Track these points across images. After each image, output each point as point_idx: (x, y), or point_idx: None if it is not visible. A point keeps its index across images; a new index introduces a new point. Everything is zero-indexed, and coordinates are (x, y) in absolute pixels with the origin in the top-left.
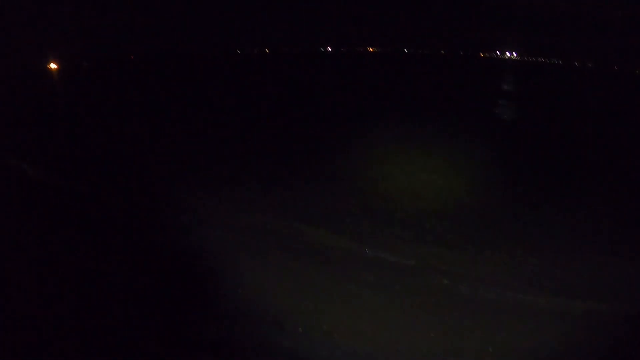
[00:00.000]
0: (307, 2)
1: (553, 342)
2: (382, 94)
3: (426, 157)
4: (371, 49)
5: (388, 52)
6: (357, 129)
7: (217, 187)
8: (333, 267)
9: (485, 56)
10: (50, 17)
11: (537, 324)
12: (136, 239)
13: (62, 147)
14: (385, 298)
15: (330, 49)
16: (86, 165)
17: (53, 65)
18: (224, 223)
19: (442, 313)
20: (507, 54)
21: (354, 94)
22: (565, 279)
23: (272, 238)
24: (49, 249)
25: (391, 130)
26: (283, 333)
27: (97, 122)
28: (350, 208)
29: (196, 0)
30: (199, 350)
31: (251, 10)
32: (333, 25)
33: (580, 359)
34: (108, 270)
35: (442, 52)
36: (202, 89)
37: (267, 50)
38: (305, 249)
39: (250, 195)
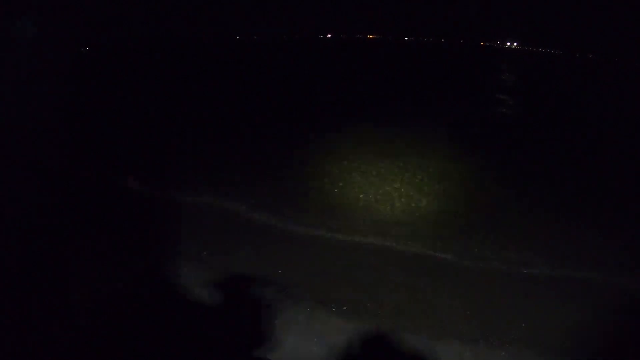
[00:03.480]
0: None
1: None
2: (381, 82)
3: (426, 147)
4: (371, 36)
5: (388, 39)
6: (356, 117)
7: (214, 180)
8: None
9: (486, 45)
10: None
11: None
12: (135, 232)
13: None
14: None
15: (330, 36)
16: (81, 155)
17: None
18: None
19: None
20: (508, 43)
21: (353, 81)
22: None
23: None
24: (56, 243)
25: (390, 119)
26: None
27: (93, 112)
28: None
29: None
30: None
31: None
32: (333, 13)
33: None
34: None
35: (443, 40)
36: (199, 76)
37: (266, 37)
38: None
39: (246, 188)
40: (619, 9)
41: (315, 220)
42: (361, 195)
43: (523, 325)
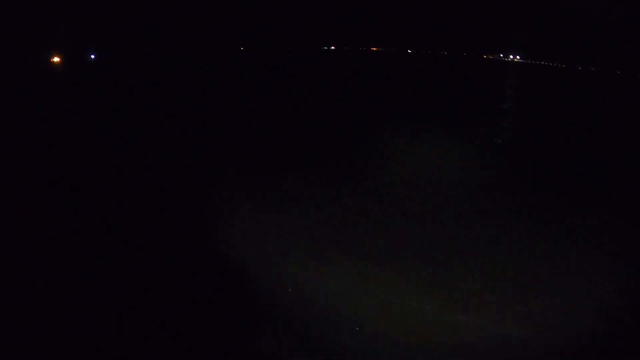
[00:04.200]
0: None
1: None
2: (384, 94)
3: (428, 160)
4: (374, 49)
5: (391, 52)
6: (358, 129)
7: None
8: None
9: (489, 58)
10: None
11: None
12: (136, 236)
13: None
14: None
15: (333, 48)
16: (85, 162)
17: (56, 59)
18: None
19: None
20: (511, 56)
21: (357, 93)
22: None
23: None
24: (51, 249)
25: (393, 131)
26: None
27: (94, 118)
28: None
29: None
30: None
31: (255, 6)
32: (336, 24)
33: None
34: (110, 269)
35: (445, 53)
36: (204, 86)
37: (271, 48)
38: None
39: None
40: (621, 23)
41: None
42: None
43: None
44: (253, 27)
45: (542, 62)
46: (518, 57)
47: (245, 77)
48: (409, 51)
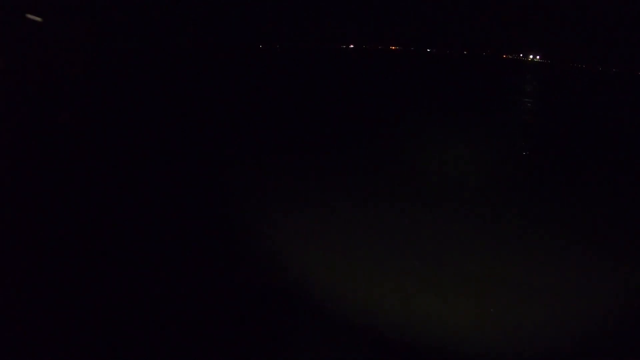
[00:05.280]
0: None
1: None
2: (403, 93)
3: (443, 158)
4: (393, 47)
5: (410, 51)
6: (377, 127)
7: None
8: None
9: (508, 58)
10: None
11: None
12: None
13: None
14: None
15: (352, 46)
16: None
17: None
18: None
19: None
20: (530, 56)
21: (375, 92)
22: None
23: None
24: (55, 249)
25: (411, 129)
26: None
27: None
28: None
29: None
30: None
31: (276, 6)
32: (355, 23)
33: None
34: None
35: (465, 52)
36: (223, 83)
37: (290, 46)
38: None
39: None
40: None
41: None
42: None
43: None
44: (271, 25)
45: (562, 62)
46: (538, 57)
47: (261, 75)
48: (428, 50)
